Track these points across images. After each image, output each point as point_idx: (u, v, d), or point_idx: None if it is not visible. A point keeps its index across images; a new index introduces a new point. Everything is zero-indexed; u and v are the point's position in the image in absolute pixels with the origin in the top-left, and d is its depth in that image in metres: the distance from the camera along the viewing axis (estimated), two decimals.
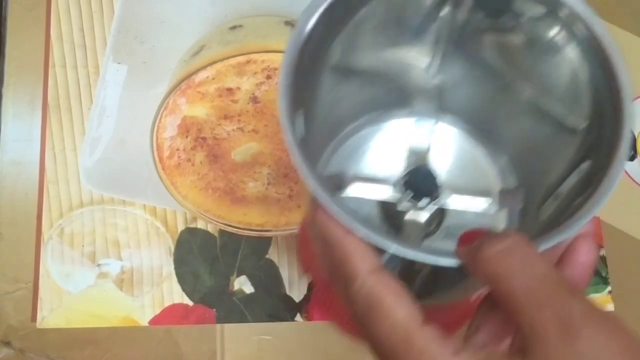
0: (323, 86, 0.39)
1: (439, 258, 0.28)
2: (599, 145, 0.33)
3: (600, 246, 0.52)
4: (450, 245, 0.40)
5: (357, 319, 0.28)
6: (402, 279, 0.32)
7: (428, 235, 0.41)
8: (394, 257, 0.28)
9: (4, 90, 0.55)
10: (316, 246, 0.31)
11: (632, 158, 0.55)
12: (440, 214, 0.42)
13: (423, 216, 0.38)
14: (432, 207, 0.38)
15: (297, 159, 0.30)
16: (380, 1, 0.36)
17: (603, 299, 0.51)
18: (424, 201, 0.38)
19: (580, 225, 0.29)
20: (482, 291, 0.41)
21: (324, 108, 0.40)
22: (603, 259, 0.52)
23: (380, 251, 0.28)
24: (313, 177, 0.29)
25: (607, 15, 0.59)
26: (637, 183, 0.54)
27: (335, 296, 0.42)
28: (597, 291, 0.51)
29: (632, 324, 0.53)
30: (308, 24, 0.33)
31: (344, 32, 0.37)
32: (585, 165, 0.33)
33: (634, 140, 0.56)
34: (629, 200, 0.54)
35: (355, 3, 0.35)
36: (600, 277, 0.51)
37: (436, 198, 0.38)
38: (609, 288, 0.51)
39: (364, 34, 0.38)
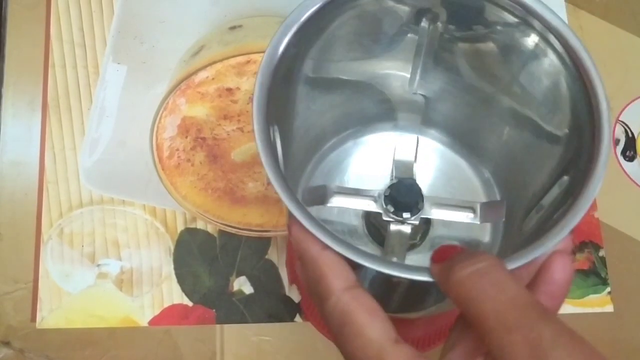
0: (301, 101, 0.39)
1: (414, 274, 0.28)
2: (579, 157, 0.32)
3: (600, 247, 0.52)
4: None
5: (332, 335, 0.28)
6: (382, 291, 0.32)
7: (414, 246, 0.41)
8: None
9: (3, 90, 0.55)
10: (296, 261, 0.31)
11: (632, 159, 0.55)
12: (425, 226, 0.42)
13: (407, 228, 0.38)
14: (415, 220, 0.38)
15: (271, 174, 0.30)
16: (354, 17, 0.36)
17: (602, 300, 0.51)
18: (406, 214, 0.38)
19: (553, 243, 0.29)
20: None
21: (304, 122, 0.40)
22: (602, 260, 0.52)
23: (358, 265, 0.28)
24: (287, 193, 0.29)
25: (607, 16, 0.59)
26: (636, 184, 0.54)
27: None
28: (596, 292, 0.51)
29: (632, 324, 0.53)
30: (281, 44, 0.33)
31: (319, 48, 0.37)
32: (566, 178, 0.33)
33: (634, 141, 0.55)
34: (628, 201, 0.54)
35: (329, 19, 0.35)
36: (599, 278, 0.51)
37: (419, 211, 0.38)
38: (609, 289, 0.51)
39: (340, 49, 0.38)
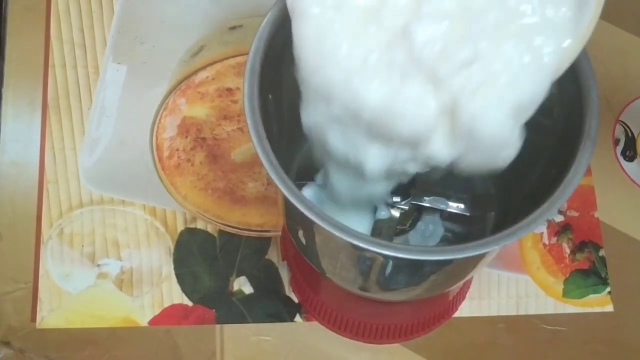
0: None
1: (380, 247, 0.28)
2: (564, 152, 0.32)
3: (600, 247, 0.52)
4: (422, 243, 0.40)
5: None
6: (361, 268, 0.33)
7: (403, 232, 0.42)
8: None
9: (3, 91, 0.55)
10: None
11: (631, 159, 0.55)
12: (416, 212, 0.43)
13: (396, 212, 0.39)
14: (405, 205, 0.38)
15: (254, 136, 0.30)
16: None
17: (602, 300, 0.51)
18: (396, 199, 0.38)
19: (516, 238, 0.29)
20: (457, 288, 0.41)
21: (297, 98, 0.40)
22: (602, 260, 0.52)
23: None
24: (267, 157, 0.30)
25: (607, 16, 0.59)
26: (636, 184, 0.54)
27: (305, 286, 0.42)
28: (596, 292, 0.51)
29: (632, 324, 0.53)
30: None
31: None
32: (553, 172, 0.33)
33: (634, 141, 0.55)
34: (628, 201, 0.54)
35: None
36: (599, 278, 0.51)
37: (409, 197, 0.38)
38: (609, 289, 0.51)
39: None
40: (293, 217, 0.36)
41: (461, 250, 0.29)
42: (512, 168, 0.41)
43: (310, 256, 0.38)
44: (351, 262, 0.34)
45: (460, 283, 0.44)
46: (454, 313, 0.48)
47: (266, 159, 0.30)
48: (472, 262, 0.35)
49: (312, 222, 0.29)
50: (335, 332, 0.47)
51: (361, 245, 0.28)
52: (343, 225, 0.29)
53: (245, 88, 0.31)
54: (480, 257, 0.33)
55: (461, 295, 0.49)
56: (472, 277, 0.49)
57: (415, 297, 0.41)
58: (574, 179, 0.30)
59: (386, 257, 0.29)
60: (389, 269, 0.33)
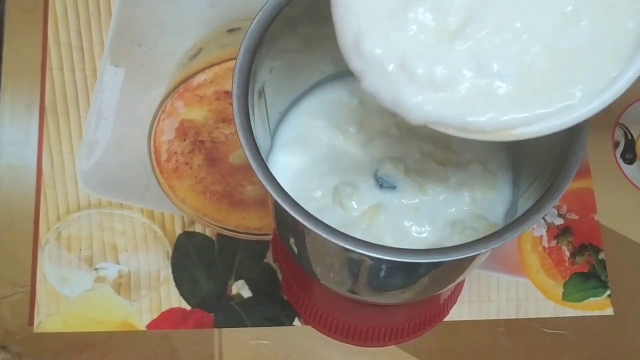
0: (292, 48, 0.38)
1: (370, 250, 0.28)
2: (555, 157, 0.32)
3: (600, 250, 0.52)
4: None
5: None
6: (349, 270, 0.33)
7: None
8: None
9: (1, 94, 0.54)
10: None
11: (631, 161, 0.55)
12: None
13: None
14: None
15: (242, 135, 0.30)
16: None
17: (602, 303, 0.51)
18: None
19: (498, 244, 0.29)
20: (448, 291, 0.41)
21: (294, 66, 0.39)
22: (602, 263, 0.52)
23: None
24: (256, 159, 0.30)
25: None
26: (636, 186, 0.54)
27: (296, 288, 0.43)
28: (596, 295, 0.51)
29: (632, 327, 0.53)
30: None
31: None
32: (547, 172, 0.33)
33: (633, 143, 0.55)
34: (628, 204, 0.54)
35: None
36: (599, 281, 0.51)
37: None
38: (608, 292, 0.51)
39: None
40: (283, 220, 0.36)
41: (451, 253, 0.29)
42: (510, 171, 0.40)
43: (300, 259, 0.37)
44: (341, 264, 0.34)
45: (452, 286, 0.44)
46: (445, 316, 0.48)
47: (254, 161, 0.30)
48: (463, 265, 0.35)
49: (302, 225, 0.29)
50: (326, 334, 0.47)
51: (350, 247, 0.28)
52: (333, 228, 0.29)
53: (234, 89, 0.31)
54: (471, 259, 0.33)
55: (452, 299, 0.49)
56: (464, 281, 0.49)
57: (406, 300, 0.40)
58: (562, 184, 0.30)
59: (374, 259, 0.29)
60: (377, 271, 0.33)
